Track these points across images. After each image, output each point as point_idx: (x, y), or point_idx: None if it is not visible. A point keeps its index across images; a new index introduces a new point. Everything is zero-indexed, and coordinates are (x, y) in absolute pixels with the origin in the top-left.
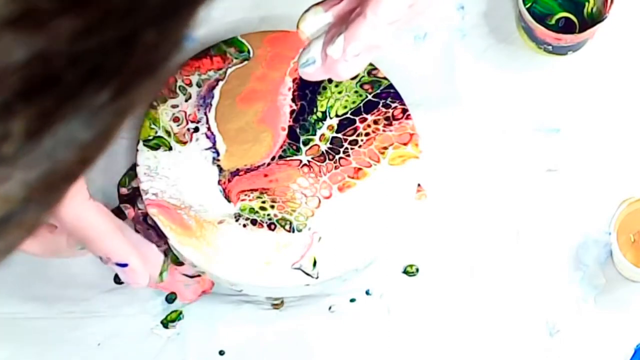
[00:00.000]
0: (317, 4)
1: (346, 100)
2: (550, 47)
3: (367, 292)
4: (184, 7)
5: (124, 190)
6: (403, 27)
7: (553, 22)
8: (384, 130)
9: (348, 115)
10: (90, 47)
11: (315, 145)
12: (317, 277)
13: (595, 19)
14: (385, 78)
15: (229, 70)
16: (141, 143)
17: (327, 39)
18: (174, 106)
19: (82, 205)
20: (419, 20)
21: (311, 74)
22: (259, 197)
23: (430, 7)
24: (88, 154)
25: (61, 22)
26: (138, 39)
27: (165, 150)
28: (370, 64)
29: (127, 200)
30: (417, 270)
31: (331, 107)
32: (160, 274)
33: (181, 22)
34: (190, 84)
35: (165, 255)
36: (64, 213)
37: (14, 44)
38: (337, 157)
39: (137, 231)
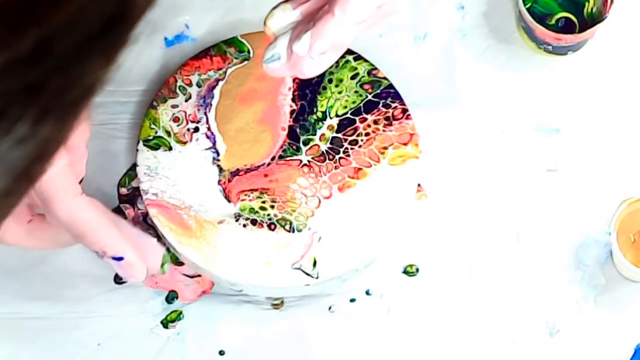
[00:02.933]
0: (286, 1)
1: (346, 100)
2: (550, 47)
3: (367, 292)
4: (94, 54)
5: (123, 191)
6: (370, 27)
7: (553, 22)
8: (384, 130)
9: (348, 115)
10: None
11: (315, 145)
12: (317, 277)
13: (595, 19)
14: (385, 78)
15: (229, 70)
16: (141, 143)
17: (294, 36)
18: (174, 106)
19: (73, 201)
20: (386, 21)
21: (275, 70)
22: (259, 197)
23: (397, 9)
24: (23, 178)
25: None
26: (44, 86)
27: (165, 150)
28: (370, 64)
29: (127, 200)
30: (417, 270)
31: (331, 107)
32: (162, 265)
33: (93, 69)
34: (190, 84)
35: (168, 250)
36: (56, 210)
37: None
38: (337, 157)
39: None
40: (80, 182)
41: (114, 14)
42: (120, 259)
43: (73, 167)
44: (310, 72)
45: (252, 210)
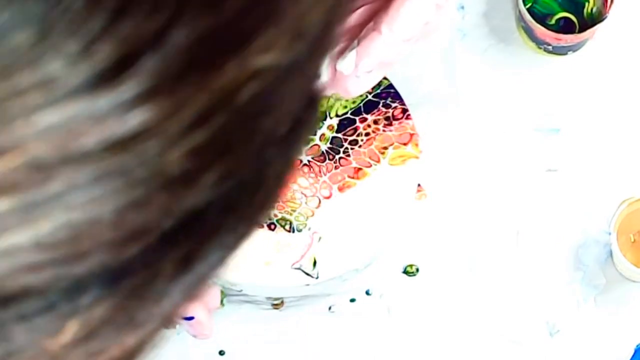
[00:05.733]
0: None
1: (346, 100)
2: (550, 47)
3: (367, 292)
4: (304, 132)
5: None
6: (417, 44)
7: (553, 22)
8: (384, 130)
9: (348, 115)
10: (228, 189)
11: (315, 145)
12: (317, 277)
13: (595, 19)
14: (385, 78)
15: None
16: None
17: (335, 54)
18: None
19: None
20: (433, 37)
21: None
22: None
23: (442, 26)
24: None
25: (206, 177)
26: (267, 172)
27: None
28: None
29: None
30: (417, 270)
31: (331, 107)
32: (222, 301)
33: (300, 147)
34: None
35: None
36: None
37: (168, 202)
38: (337, 157)
39: None
40: None
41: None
42: (191, 318)
43: None
44: (355, 91)
45: None
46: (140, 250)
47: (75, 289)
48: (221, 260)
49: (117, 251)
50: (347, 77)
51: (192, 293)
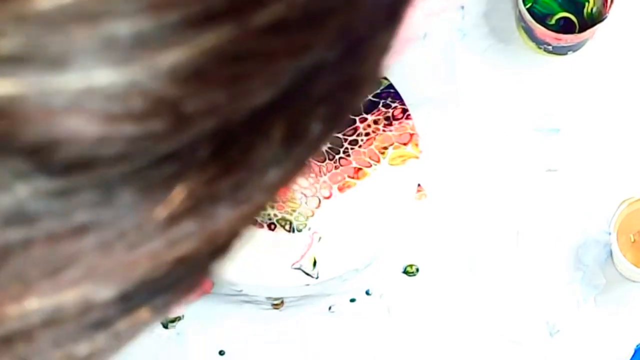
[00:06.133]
0: None
1: None
2: (550, 47)
3: (367, 292)
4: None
5: None
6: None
7: (553, 22)
8: (384, 130)
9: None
10: (339, 52)
11: None
12: (317, 277)
13: (595, 19)
14: (385, 78)
15: None
16: None
17: None
18: None
19: None
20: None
21: None
22: None
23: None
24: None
25: (323, 34)
26: (374, 43)
27: None
28: None
29: None
30: (417, 270)
31: None
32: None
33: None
34: None
35: None
36: None
37: (284, 58)
38: (337, 157)
39: None
40: None
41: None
42: None
43: None
44: None
45: None
46: (250, 112)
47: (183, 149)
48: (326, 135)
49: (229, 110)
50: None
51: (298, 166)
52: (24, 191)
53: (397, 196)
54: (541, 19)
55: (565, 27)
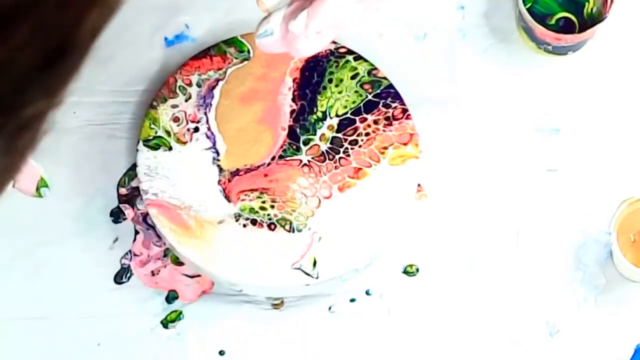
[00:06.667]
0: None
1: (346, 100)
2: (550, 47)
3: (367, 292)
4: (33, 89)
5: (123, 191)
6: (370, 7)
7: (553, 22)
8: (384, 130)
9: (348, 115)
10: None
11: (316, 145)
12: (317, 277)
13: (595, 19)
14: (385, 78)
15: (229, 70)
16: (141, 143)
17: (288, 13)
18: (174, 106)
19: None
20: (386, 2)
21: (268, 45)
22: (259, 197)
23: None
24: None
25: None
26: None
27: (165, 150)
28: (370, 64)
29: (126, 200)
30: (417, 270)
31: (331, 106)
32: (37, 189)
33: (33, 102)
34: (190, 84)
35: (165, 255)
36: None
37: None
38: (337, 157)
39: (136, 232)
40: None
41: (55, 49)
42: None
43: None
44: (305, 51)
45: (252, 210)
46: None
47: None
48: None
49: None
50: (297, 37)
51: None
52: None
53: (397, 196)
54: (541, 19)
55: (565, 27)
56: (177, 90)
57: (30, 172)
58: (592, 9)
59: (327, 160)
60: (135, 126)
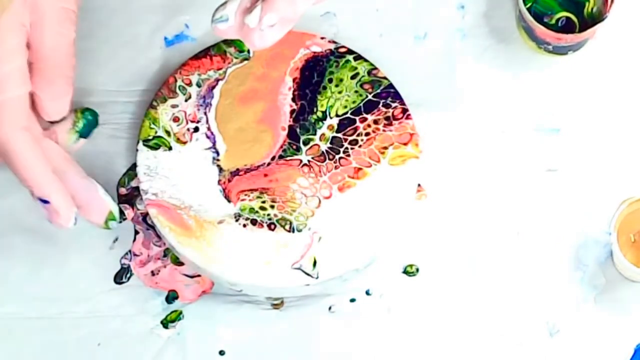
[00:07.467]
0: None
1: (346, 100)
2: (550, 47)
3: (367, 292)
4: None
5: (123, 190)
6: (318, 3)
7: (553, 21)
8: (384, 130)
9: (348, 115)
10: None
11: (316, 145)
12: (317, 277)
13: (595, 19)
14: (385, 78)
15: (229, 70)
16: (141, 143)
17: (243, 6)
18: (174, 106)
19: (14, 133)
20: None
21: (223, 31)
22: (259, 197)
23: None
24: None
25: None
26: None
27: (165, 150)
28: (370, 64)
29: (126, 200)
30: (417, 270)
31: (331, 106)
32: (106, 221)
33: None
34: (190, 84)
35: (165, 255)
36: None
37: None
38: (337, 157)
39: (136, 232)
40: (61, 121)
41: None
42: (46, 202)
43: (50, 102)
44: (259, 43)
45: (252, 210)
46: None
47: None
48: None
49: None
50: (252, 30)
51: None
52: None
53: (397, 196)
54: (541, 19)
55: (565, 26)
56: (177, 90)
57: (99, 206)
58: (592, 9)
59: (327, 160)
60: (135, 126)
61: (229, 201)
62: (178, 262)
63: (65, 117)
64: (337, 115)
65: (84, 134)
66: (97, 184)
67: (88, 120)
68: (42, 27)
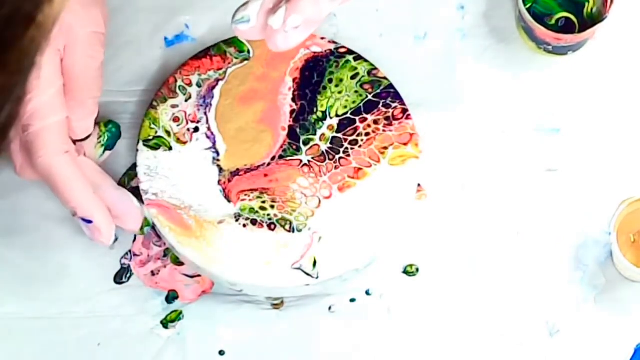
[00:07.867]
0: None
1: (346, 100)
2: (550, 47)
3: (367, 292)
4: None
5: None
6: (341, 4)
7: (553, 22)
8: (384, 130)
9: (348, 115)
10: None
11: (316, 145)
12: (317, 277)
13: (595, 19)
14: (385, 78)
15: (229, 70)
16: (141, 143)
17: (267, 6)
18: (174, 106)
19: (54, 158)
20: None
21: (244, 32)
22: (259, 197)
23: None
24: None
25: None
26: None
27: (165, 150)
28: (370, 64)
29: None
30: (417, 270)
31: (331, 106)
32: (142, 228)
33: None
34: (190, 84)
35: (165, 255)
36: (34, 162)
37: None
38: (337, 157)
39: None
40: (87, 138)
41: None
42: (89, 221)
43: (79, 122)
44: (283, 45)
45: (252, 210)
46: None
47: None
48: None
49: None
50: (276, 31)
51: None
52: None
53: (397, 196)
54: (541, 19)
55: (565, 27)
56: (177, 90)
57: (135, 215)
58: (592, 9)
59: (327, 160)
60: (135, 126)
61: (229, 201)
62: (178, 262)
63: (91, 134)
64: (337, 116)
65: (110, 146)
66: (130, 193)
67: (112, 133)
68: (74, 51)
